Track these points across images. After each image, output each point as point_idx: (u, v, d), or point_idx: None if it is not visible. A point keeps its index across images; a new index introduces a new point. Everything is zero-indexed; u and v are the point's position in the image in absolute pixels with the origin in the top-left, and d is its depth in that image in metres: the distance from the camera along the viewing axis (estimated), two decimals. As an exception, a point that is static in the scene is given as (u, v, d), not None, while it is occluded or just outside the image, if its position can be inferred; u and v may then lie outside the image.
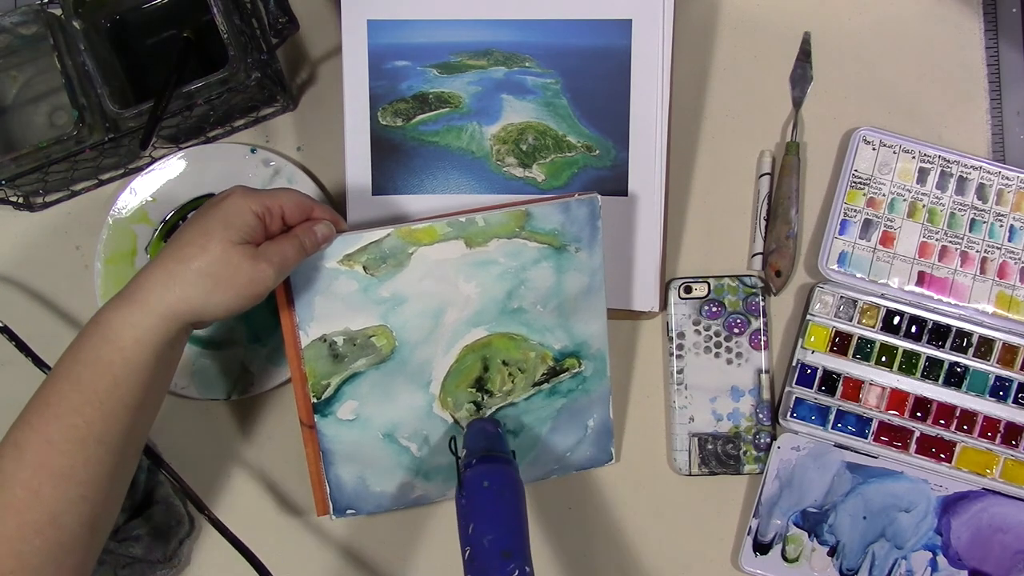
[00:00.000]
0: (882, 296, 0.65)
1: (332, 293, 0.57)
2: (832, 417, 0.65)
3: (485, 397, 0.61)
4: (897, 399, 0.64)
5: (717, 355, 0.66)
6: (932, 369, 0.64)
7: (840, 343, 0.65)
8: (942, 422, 0.64)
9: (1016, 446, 0.64)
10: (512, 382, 0.61)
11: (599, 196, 0.59)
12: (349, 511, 0.61)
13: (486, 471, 0.52)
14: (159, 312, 0.47)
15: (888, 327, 0.65)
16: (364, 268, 0.57)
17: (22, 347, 0.62)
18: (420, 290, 0.58)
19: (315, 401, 0.59)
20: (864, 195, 0.66)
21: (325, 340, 0.58)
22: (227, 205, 0.50)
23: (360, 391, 0.59)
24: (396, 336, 0.58)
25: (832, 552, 0.64)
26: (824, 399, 0.65)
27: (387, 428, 0.60)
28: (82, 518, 0.46)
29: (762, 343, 0.66)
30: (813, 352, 0.65)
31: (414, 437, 0.60)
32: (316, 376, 0.58)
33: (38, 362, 0.61)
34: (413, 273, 0.57)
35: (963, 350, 0.64)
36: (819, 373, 0.65)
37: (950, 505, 0.64)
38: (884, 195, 0.66)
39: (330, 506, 0.61)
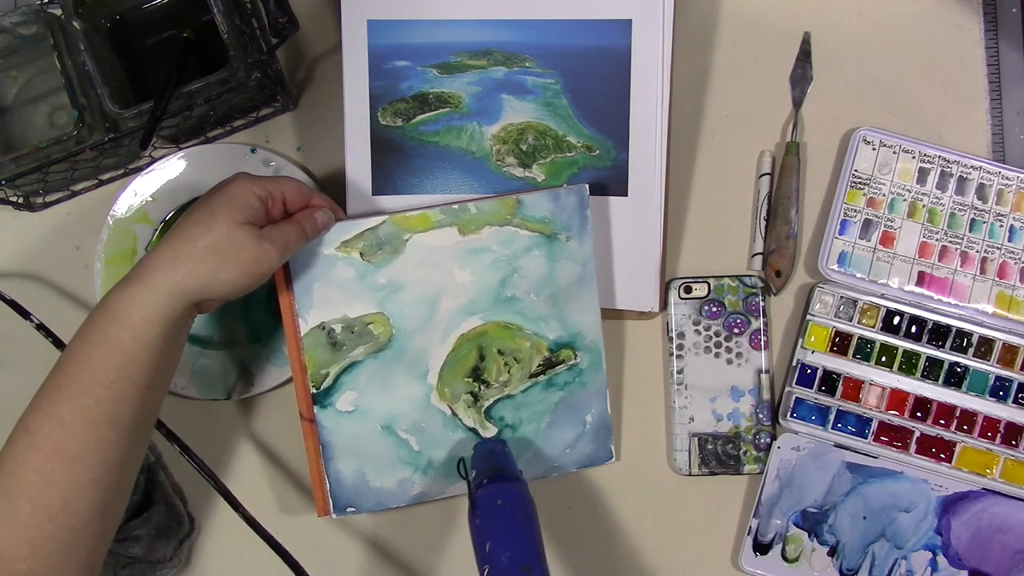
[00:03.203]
0: (882, 296, 0.65)
1: (330, 280, 0.58)
2: (832, 417, 0.65)
3: (482, 388, 0.61)
4: (897, 399, 0.64)
5: (717, 355, 0.66)
6: (932, 369, 0.64)
7: (840, 343, 0.65)
8: (942, 422, 0.64)
9: (1016, 446, 0.64)
10: (508, 372, 0.61)
11: (587, 186, 0.60)
12: (349, 509, 0.61)
13: (498, 490, 0.53)
14: (167, 290, 0.48)
15: (888, 327, 0.65)
16: (361, 255, 0.59)
17: (58, 344, 0.61)
18: (415, 277, 0.59)
19: (314, 392, 0.59)
20: (864, 195, 0.66)
21: (324, 328, 0.59)
22: (231, 188, 0.52)
23: (359, 381, 0.60)
24: (393, 324, 0.59)
25: (832, 552, 0.64)
26: (824, 399, 0.65)
27: (386, 420, 0.60)
28: (94, 503, 0.46)
29: (762, 343, 0.66)
30: (813, 352, 0.65)
31: (412, 430, 0.61)
32: (315, 365, 0.59)
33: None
34: (408, 260, 0.59)
35: (963, 350, 0.64)
36: (819, 373, 0.65)
37: (950, 505, 0.64)
38: (884, 195, 0.66)
39: (330, 504, 0.61)
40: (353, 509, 0.61)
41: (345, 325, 0.59)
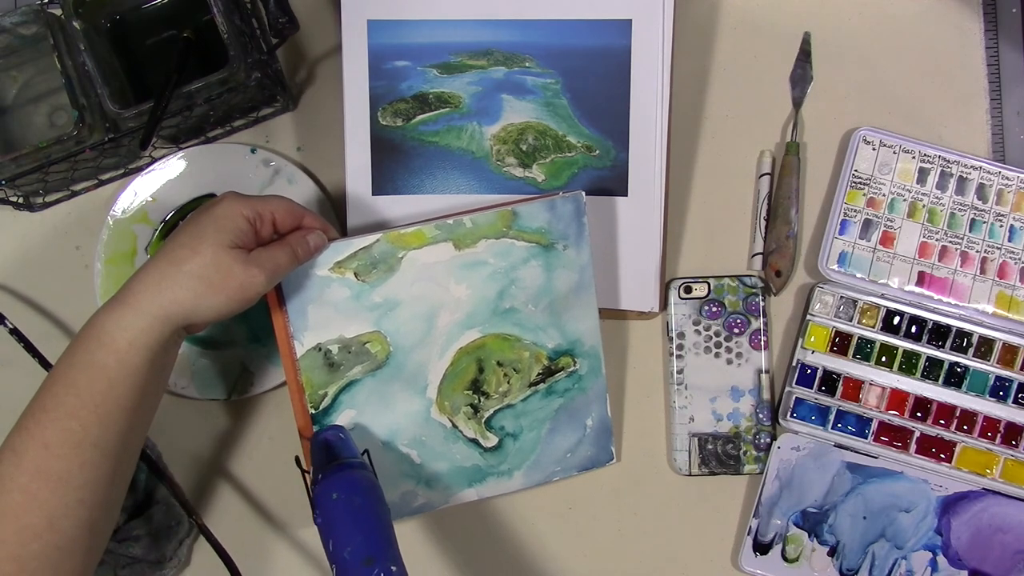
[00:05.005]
0: (882, 296, 0.65)
1: (324, 301, 0.57)
2: (832, 417, 0.65)
3: (481, 399, 0.61)
4: (897, 399, 0.64)
5: (717, 355, 0.66)
6: (932, 369, 0.64)
7: (840, 343, 0.65)
8: (942, 422, 0.64)
9: (1016, 446, 0.64)
10: (508, 383, 0.61)
11: (583, 193, 0.59)
12: None
13: (332, 483, 0.51)
14: (152, 314, 0.47)
15: (888, 327, 0.65)
16: (355, 274, 0.57)
17: (30, 348, 0.62)
18: (412, 294, 0.58)
19: (313, 412, 0.58)
20: (864, 195, 0.66)
21: (320, 349, 0.57)
22: (219, 210, 0.50)
23: (357, 400, 0.59)
24: (390, 341, 0.58)
25: (832, 552, 0.64)
26: (824, 399, 0.65)
27: (386, 436, 0.60)
28: (80, 522, 0.46)
29: (762, 343, 0.66)
30: (813, 352, 0.65)
31: (413, 444, 0.60)
32: (313, 386, 0.58)
33: (44, 363, 0.61)
34: (404, 277, 0.58)
35: (963, 350, 0.64)
36: (819, 373, 0.65)
37: (950, 505, 0.64)
38: (884, 195, 0.66)
39: None
40: None
41: (342, 345, 0.58)
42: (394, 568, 0.48)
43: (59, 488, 0.45)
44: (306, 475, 0.55)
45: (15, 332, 0.62)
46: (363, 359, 0.58)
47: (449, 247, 0.58)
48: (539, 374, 0.61)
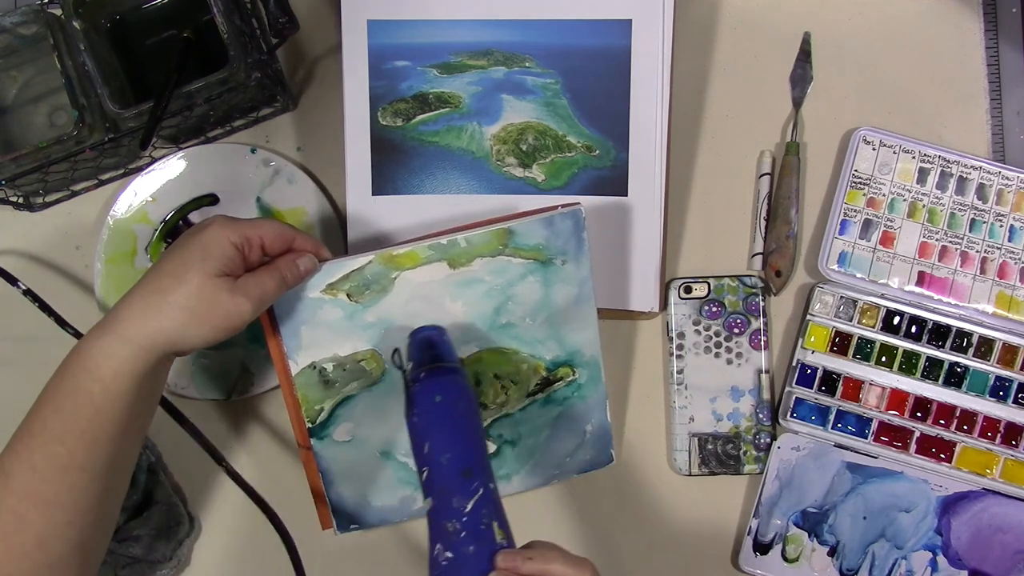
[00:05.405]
0: (882, 296, 0.65)
1: (317, 322, 0.56)
2: (832, 417, 0.65)
3: (479, 411, 0.60)
4: (897, 399, 0.64)
5: (717, 355, 0.66)
6: (932, 369, 0.64)
7: (840, 343, 0.65)
8: (942, 422, 0.64)
9: (1016, 446, 0.64)
10: (506, 394, 0.60)
11: (583, 208, 0.57)
12: (352, 526, 0.61)
13: (437, 384, 0.49)
14: (137, 343, 0.47)
15: (888, 327, 0.65)
16: (348, 296, 0.56)
17: (45, 308, 0.61)
18: (406, 313, 0.57)
19: (310, 425, 0.58)
20: (864, 195, 0.66)
21: (315, 367, 0.57)
22: (206, 235, 0.49)
23: (354, 413, 0.58)
24: (385, 359, 0.58)
25: (832, 552, 0.64)
26: (824, 399, 0.65)
27: (383, 447, 0.59)
28: (70, 542, 0.46)
29: (762, 343, 0.66)
30: (813, 352, 0.65)
31: (410, 453, 0.60)
32: (309, 402, 0.58)
33: (61, 322, 0.61)
34: (398, 297, 0.57)
35: (963, 350, 0.64)
36: (819, 373, 0.65)
37: (950, 505, 0.64)
38: (884, 195, 0.66)
39: (333, 522, 0.61)
40: (356, 526, 0.61)
41: (336, 364, 0.57)
42: (492, 486, 0.46)
43: (47, 510, 0.45)
44: (404, 371, 0.53)
45: (28, 293, 0.61)
46: (358, 376, 0.58)
47: (443, 267, 0.57)
48: (537, 384, 0.61)
